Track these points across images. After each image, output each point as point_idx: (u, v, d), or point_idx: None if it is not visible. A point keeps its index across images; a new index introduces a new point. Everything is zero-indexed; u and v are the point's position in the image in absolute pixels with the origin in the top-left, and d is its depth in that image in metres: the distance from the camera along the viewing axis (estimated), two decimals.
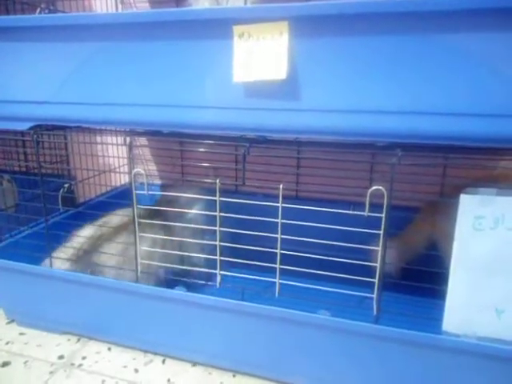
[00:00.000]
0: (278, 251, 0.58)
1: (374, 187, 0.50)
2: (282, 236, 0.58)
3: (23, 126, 0.67)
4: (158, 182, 1.14)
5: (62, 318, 0.76)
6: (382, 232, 0.52)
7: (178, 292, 0.65)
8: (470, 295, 0.51)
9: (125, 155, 1.06)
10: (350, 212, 0.51)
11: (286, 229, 0.59)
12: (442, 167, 0.91)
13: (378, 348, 0.55)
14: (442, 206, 0.75)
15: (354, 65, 0.48)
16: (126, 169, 1.16)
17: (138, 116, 0.59)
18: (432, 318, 0.54)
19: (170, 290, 0.65)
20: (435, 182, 0.91)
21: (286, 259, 0.61)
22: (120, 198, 0.95)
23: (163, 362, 0.71)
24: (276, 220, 0.57)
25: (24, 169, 1.18)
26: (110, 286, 0.69)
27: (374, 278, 0.56)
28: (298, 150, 0.98)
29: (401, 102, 0.47)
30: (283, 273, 0.61)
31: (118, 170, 1.10)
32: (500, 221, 0.48)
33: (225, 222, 0.62)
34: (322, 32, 0.48)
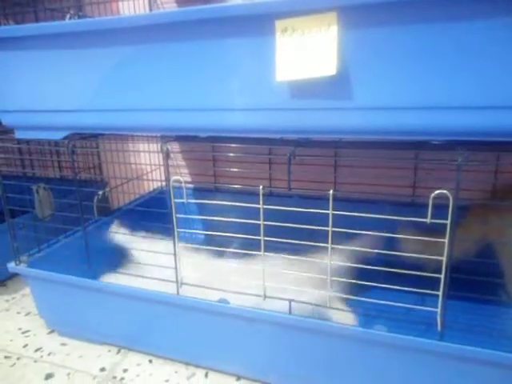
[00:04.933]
0: (328, 262, 0.54)
1: (438, 191, 0.45)
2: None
3: (58, 136, 0.66)
4: (190, 186, 1.12)
5: (102, 328, 0.75)
6: (446, 240, 0.47)
7: (222, 304, 0.62)
8: None
9: (157, 162, 1.04)
10: (412, 219, 0.47)
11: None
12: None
13: (443, 367, 0.50)
14: (496, 206, 0.68)
15: (413, 57, 0.43)
16: (157, 173, 1.14)
17: (175, 121, 0.56)
18: (496, 330, 0.49)
19: (213, 302, 0.62)
20: (487, 181, 0.85)
21: None
22: (153, 204, 0.94)
23: (206, 375, 0.68)
24: (326, 228, 0.53)
25: (58, 176, 1.19)
26: (150, 298, 0.66)
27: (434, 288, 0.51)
28: (336, 151, 0.94)
29: (469, 95, 0.42)
30: None
31: (149, 175, 1.09)
32: None
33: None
34: (376, 22, 0.43)
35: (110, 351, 0.75)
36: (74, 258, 0.75)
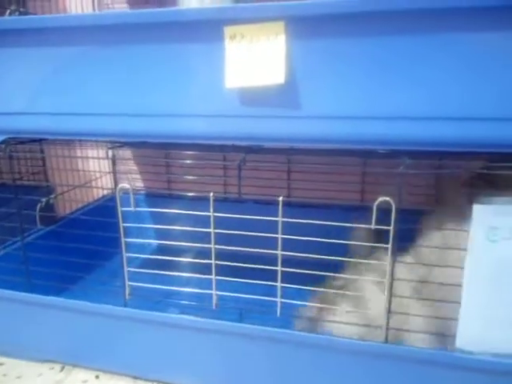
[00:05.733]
0: (278, 268, 0.54)
1: (381, 198, 0.47)
2: (283, 252, 0.54)
3: None
4: (142, 193, 1.08)
5: (42, 345, 0.70)
6: (390, 246, 0.49)
7: (168, 315, 0.60)
8: (485, 310, 0.48)
9: (107, 168, 1.00)
10: (356, 225, 0.48)
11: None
12: None
13: (387, 367, 0.51)
14: None
15: (358, 67, 0.44)
16: (107, 180, 1.10)
17: (122, 126, 0.54)
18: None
19: (160, 314, 0.60)
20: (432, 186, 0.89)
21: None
22: (101, 212, 0.89)
23: None
24: (276, 235, 0.53)
25: None
26: (94, 311, 0.63)
27: None
28: (289, 157, 0.95)
29: (411, 106, 0.43)
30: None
31: (98, 181, 1.04)
32: None
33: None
34: (323, 33, 0.44)
35: (52, 369, 0.70)
36: (12, 271, 0.70)
